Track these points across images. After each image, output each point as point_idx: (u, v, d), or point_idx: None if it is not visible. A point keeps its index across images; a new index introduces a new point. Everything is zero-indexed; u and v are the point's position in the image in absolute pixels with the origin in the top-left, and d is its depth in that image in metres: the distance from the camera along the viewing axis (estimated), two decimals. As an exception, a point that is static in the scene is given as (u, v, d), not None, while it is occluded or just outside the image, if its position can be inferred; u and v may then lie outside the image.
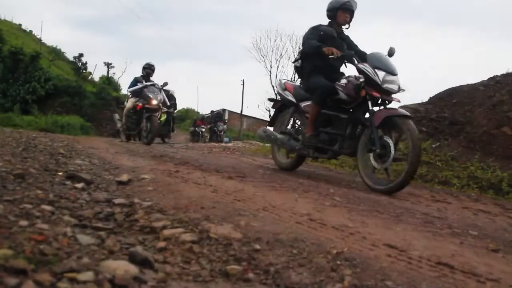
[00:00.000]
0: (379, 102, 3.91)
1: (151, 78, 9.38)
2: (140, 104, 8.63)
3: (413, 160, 3.40)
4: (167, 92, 16.45)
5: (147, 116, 8.32)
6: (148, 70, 9.47)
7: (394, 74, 3.89)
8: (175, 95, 14.38)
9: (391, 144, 3.62)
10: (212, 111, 21.22)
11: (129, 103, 9.23)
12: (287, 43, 41.30)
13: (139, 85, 8.93)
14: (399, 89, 3.91)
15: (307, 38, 4.47)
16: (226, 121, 22.17)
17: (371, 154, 3.75)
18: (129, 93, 9.85)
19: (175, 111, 15.17)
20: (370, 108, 3.83)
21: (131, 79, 10.04)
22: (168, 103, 15.01)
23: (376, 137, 3.66)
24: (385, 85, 3.79)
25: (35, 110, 18.79)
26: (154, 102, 8.47)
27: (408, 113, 3.81)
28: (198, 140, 17.83)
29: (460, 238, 2.06)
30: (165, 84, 9.30)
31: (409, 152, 3.44)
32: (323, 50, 4.07)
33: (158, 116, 15.92)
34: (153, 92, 8.62)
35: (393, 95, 3.91)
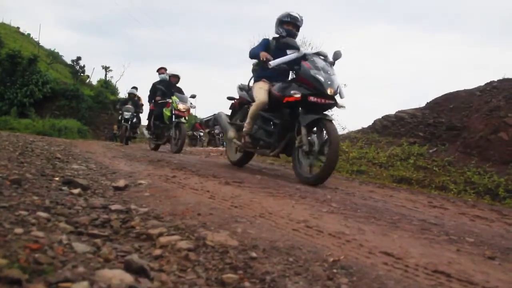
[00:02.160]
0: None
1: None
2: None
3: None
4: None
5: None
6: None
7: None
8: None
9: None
10: (214, 115, 21.28)
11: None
12: (285, 47, 41.23)
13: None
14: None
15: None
16: None
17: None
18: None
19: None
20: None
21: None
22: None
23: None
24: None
25: (32, 113, 18.72)
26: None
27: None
28: (196, 144, 17.80)
29: (457, 245, 2.05)
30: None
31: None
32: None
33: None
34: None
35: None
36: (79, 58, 24.89)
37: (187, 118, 8.64)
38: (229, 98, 5.90)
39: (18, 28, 31.37)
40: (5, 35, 23.72)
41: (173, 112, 8.30)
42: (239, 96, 5.45)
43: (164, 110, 8.68)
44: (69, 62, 26.86)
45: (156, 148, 9.22)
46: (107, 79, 27.49)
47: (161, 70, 9.80)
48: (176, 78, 9.30)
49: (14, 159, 3.45)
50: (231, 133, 5.29)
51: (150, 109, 9.54)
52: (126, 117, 12.20)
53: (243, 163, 5.44)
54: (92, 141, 12.72)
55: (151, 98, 9.46)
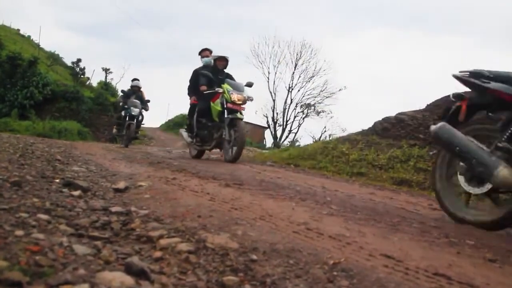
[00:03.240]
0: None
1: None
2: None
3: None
4: None
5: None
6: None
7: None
8: None
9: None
10: None
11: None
12: (285, 49, 41.36)
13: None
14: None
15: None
16: None
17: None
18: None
19: None
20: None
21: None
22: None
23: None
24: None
25: (32, 115, 18.72)
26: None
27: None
28: None
29: (457, 247, 2.05)
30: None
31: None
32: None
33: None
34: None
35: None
36: (79, 60, 24.93)
37: (243, 113, 6.56)
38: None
39: (19, 30, 31.41)
40: (5, 37, 23.74)
41: (225, 106, 6.36)
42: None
43: (212, 104, 6.66)
44: (69, 64, 26.89)
45: (199, 155, 7.30)
46: (107, 81, 27.52)
47: (204, 53, 7.62)
48: (224, 61, 7.22)
49: (15, 161, 3.46)
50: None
51: (191, 104, 7.43)
52: (134, 113, 10.46)
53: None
54: (92, 143, 12.73)
55: (192, 89, 7.47)
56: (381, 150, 7.07)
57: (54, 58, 26.96)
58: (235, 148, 6.16)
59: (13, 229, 1.43)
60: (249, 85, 6.97)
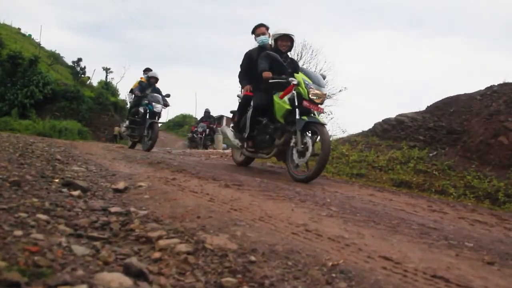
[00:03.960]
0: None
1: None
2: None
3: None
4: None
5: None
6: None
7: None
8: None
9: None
10: (206, 110, 18.62)
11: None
12: (286, 50, 41.30)
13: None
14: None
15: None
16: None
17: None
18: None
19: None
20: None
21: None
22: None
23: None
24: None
25: (33, 114, 18.75)
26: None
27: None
28: (196, 146, 17.78)
29: (456, 250, 2.05)
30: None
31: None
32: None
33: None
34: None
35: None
36: (80, 60, 24.96)
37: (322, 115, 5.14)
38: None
39: (19, 29, 31.45)
40: (6, 36, 23.76)
41: (297, 104, 4.64)
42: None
43: (277, 99, 4.90)
44: (70, 63, 26.93)
45: (246, 162, 5.98)
46: (108, 80, 27.53)
47: (260, 29, 5.63)
48: (288, 41, 5.23)
49: (14, 161, 3.45)
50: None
51: (243, 97, 5.56)
52: (157, 110, 8.57)
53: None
54: (92, 143, 12.72)
55: (246, 76, 5.62)
56: (381, 151, 7.07)
57: (55, 57, 26.99)
58: (319, 165, 4.37)
59: (12, 229, 1.43)
60: (323, 77, 5.18)
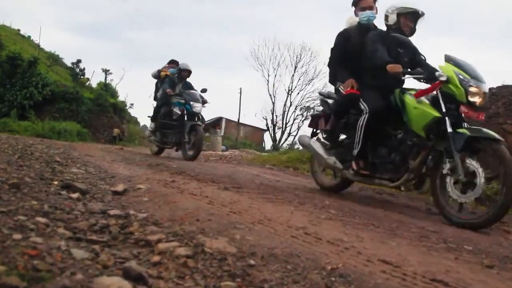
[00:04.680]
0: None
1: None
2: None
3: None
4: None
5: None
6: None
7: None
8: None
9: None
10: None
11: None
12: (285, 52, 41.50)
13: None
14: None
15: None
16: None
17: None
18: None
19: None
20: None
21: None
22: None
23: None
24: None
25: (32, 115, 18.74)
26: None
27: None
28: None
29: (455, 253, 2.06)
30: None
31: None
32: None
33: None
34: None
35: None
36: (79, 61, 24.94)
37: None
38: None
39: (19, 30, 31.43)
40: (6, 37, 23.76)
41: (447, 109, 3.23)
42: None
43: (410, 101, 3.47)
44: (69, 64, 26.91)
45: (341, 186, 4.36)
46: (107, 82, 27.54)
47: (364, 2, 4.05)
48: (412, 21, 3.82)
49: (13, 163, 3.45)
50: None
51: (345, 97, 3.88)
52: (196, 110, 7.20)
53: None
54: (92, 144, 12.73)
55: (340, 67, 4.14)
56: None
57: (54, 59, 26.97)
58: (491, 203, 3.03)
59: (11, 232, 1.43)
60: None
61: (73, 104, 20.53)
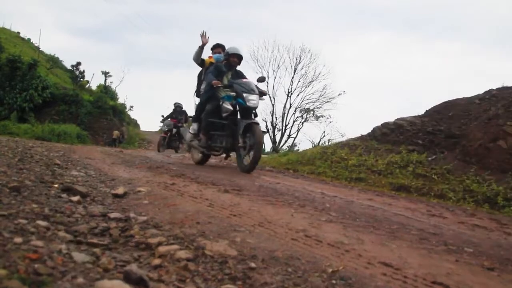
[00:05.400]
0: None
1: None
2: None
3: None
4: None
5: None
6: None
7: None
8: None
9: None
10: (176, 105, 14.98)
11: None
12: (285, 54, 41.47)
13: None
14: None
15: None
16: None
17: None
18: None
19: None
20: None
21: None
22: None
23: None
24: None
25: (31, 118, 18.76)
26: None
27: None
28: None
29: (456, 255, 2.06)
30: None
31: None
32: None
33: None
34: None
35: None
36: (79, 64, 24.99)
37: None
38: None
39: (19, 33, 31.50)
40: (6, 40, 23.78)
41: None
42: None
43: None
44: (69, 67, 26.96)
45: None
46: (107, 84, 27.56)
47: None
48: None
49: (14, 165, 3.45)
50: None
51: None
52: (253, 104, 5.60)
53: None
54: (91, 147, 12.71)
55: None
56: (380, 155, 7.08)
57: (54, 61, 27.01)
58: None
59: (12, 236, 1.43)
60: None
61: (73, 106, 20.56)
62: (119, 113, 23.87)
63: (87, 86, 26.31)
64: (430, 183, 5.65)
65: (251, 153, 5.32)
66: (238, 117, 5.79)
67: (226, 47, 6.43)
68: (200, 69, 6.86)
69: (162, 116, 14.79)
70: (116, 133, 20.53)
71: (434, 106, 8.64)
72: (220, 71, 6.13)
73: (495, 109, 6.92)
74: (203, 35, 6.45)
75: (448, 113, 8.00)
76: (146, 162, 5.87)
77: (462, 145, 6.66)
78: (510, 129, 5.93)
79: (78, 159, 5.39)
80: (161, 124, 14.77)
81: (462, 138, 6.87)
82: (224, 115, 5.82)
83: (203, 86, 6.53)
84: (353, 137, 8.99)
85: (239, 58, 6.26)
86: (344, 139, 9.58)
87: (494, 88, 8.24)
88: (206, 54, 6.78)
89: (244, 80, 5.94)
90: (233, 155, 6.51)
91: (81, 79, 25.41)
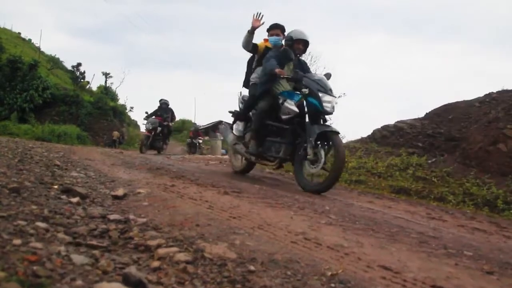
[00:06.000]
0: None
1: None
2: None
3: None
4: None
5: None
6: None
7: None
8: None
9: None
10: (161, 101, 13.71)
11: None
12: (285, 55, 41.45)
13: None
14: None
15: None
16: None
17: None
18: None
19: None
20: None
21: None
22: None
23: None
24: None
25: (32, 118, 18.77)
26: None
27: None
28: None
29: (455, 259, 2.05)
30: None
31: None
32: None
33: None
34: None
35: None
36: (79, 64, 25.00)
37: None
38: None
39: (19, 33, 31.53)
40: (6, 40, 23.81)
41: None
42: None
43: None
44: (69, 68, 26.98)
45: None
46: (107, 85, 27.58)
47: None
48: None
49: (13, 166, 3.45)
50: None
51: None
52: (329, 109, 4.40)
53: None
54: (91, 148, 12.71)
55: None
56: (380, 158, 7.08)
57: (55, 62, 27.05)
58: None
59: (11, 237, 1.42)
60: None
61: (73, 107, 20.58)
62: (120, 114, 23.89)
63: (87, 87, 26.34)
64: (430, 186, 5.65)
65: (319, 167, 4.29)
66: (306, 120, 4.58)
67: (292, 30, 5.04)
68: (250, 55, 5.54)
69: (146, 112, 13.45)
70: (116, 134, 20.53)
71: (434, 109, 8.65)
72: (286, 57, 4.96)
73: (495, 112, 6.92)
74: (256, 18, 5.07)
75: (448, 116, 8.01)
76: (146, 164, 5.87)
77: (462, 148, 6.66)
78: (510, 132, 5.94)
79: (78, 160, 5.39)
80: (145, 122, 13.37)
81: (462, 141, 6.88)
82: (284, 117, 4.67)
83: (254, 76, 5.27)
84: (353, 140, 9.01)
85: (305, 45, 4.99)
86: (344, 141, 9.58)
87: (494, 91, 8.25)
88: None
89: (317, 74, 4.85)
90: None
91: (82, 80, 25.43)
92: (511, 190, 5.09)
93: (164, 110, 13.35)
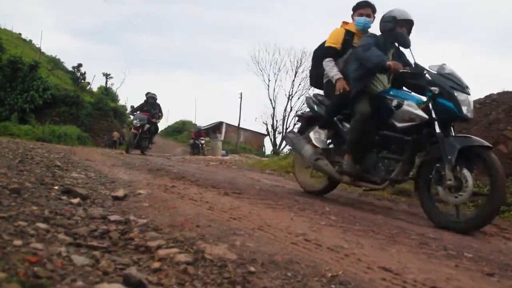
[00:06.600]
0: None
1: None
2: None
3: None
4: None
5: None
6: None
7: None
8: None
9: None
10: (148, 95, 12.29)
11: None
12: (285, 57, 41.65)
13: None
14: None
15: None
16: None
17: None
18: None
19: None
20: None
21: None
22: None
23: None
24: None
25: (32, 119, 18.77)
26: None
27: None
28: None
29: (455, 260, 2.05)
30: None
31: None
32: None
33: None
34: None
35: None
36: (80, 65, 25.00)
37: None
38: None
39: (20, 34, 31.55)
40: (7, 41, 23.83)
41: None
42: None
43: None
44: (70, 68, 27.00)
45: None
46: (108, 86, 27.60)
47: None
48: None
49: (14, 167, 3.45)
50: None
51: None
52: (469, 114, 3.31)
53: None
54: (92, 148, 12.71)
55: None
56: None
57: (55, 63, 27.07)
58: None
59: (11, 238, 1.43)
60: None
61: (74, 108, 20.58)
62: (120, 114, 23.89)
63: (88, 87, 26.36)
64: (430, 187, 5.64)
65: (466, 196, 3.11)
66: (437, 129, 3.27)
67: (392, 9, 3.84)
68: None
69: (132, 106, 12.24)
70: (116, 134, 20.54)
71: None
72: (386, 44, 3.86)
73: (495, 113, 6.92)
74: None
75: (449, 117, 7.99)
76: (146, 164, 5.87)
77: (462, 149, 6.65)
78: (511, 133, 5.93)
79: (78, 161, 5.39)
80: (131, 117, 12.09)
81: (463, 142, 6.86)
82: (401, 125, 3.51)
83: (334, 70, 4.03)
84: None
85: (409, 25, 3.83)
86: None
87: (495, 92, 8.24)
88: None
89: (445, 66, 3.42)
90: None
91: (82, 81, 25.44)
92: (511, 191, 5.09)
93: (151, 105, 11.88)
